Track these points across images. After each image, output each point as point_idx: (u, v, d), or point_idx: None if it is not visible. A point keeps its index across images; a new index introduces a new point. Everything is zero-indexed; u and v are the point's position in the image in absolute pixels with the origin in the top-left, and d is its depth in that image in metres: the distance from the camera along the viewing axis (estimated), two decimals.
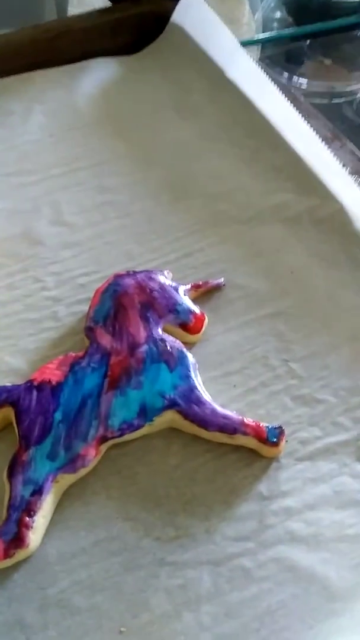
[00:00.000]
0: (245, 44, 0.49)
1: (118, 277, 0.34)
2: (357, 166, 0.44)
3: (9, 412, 0.29)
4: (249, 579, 0.27)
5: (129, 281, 0.33)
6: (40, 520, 0.27)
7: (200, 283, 0.35)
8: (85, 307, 0.34)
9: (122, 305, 0.32)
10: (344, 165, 0.41)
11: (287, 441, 0.30)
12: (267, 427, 0.29)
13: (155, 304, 0.32)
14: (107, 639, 0.25)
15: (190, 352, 0.32)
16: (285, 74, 0.52)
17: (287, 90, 0.48)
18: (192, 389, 0.30)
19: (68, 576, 0.27)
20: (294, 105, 0.44)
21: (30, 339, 0.34)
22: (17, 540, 0.26)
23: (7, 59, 0.46)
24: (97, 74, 0.48)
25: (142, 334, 0.31)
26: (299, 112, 0.44)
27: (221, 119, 0.45)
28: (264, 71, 0.47)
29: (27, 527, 0.26)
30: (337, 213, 0.39)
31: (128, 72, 0.48)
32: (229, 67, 0.47)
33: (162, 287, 0.33)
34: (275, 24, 0.57)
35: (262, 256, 0.37)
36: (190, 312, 0.33)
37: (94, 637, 0.25)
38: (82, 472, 0.28)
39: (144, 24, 0.49)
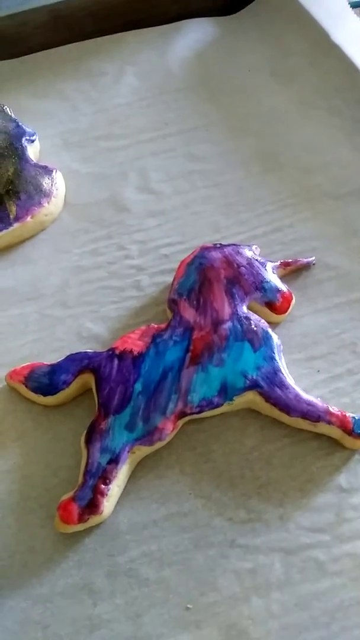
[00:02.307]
0: (354, 5, 0.46)
1: (205, 249, 0.33)
2: None
3: (88, 378, 0.29)
4: (322, 572, 0.26)
5: (215, 254, 0.32)
6: (115, 489, 0.27)
7: (290, 261, 0.33)
8: (167, 278, 0.34)
9: (207, 279, 0.31)
10: None
11: None
12: (354, 417, 0.28)
13: (242, 280, 0.31)
14: (174, 614, 0.25)
15: (274, 333, 0.30)
16: None
17: None
18: (275, 371, 0.29)
19: (138, 546, 0.27)
20: None
21: (112, 306, 0.33)
22: (92, 507, 0.26)
23: (103, 18, 0.45)
24: (192, 35, 0.46)
25: (226, 310, 0.30)
26: None
27: (321, 86, 0.42)
28: None
29: (103, 494, 0.26)
30: None
31: (224, 33, 0.46)
32: (334, 30, 0.44)
33: (249, 262, 0.32)
34: None
35: (356, 236, 0.35)
36: (278, 290, 0.32)
37: (161, 610, 0.25)
38: (158, 445, 0.28)
39: None
